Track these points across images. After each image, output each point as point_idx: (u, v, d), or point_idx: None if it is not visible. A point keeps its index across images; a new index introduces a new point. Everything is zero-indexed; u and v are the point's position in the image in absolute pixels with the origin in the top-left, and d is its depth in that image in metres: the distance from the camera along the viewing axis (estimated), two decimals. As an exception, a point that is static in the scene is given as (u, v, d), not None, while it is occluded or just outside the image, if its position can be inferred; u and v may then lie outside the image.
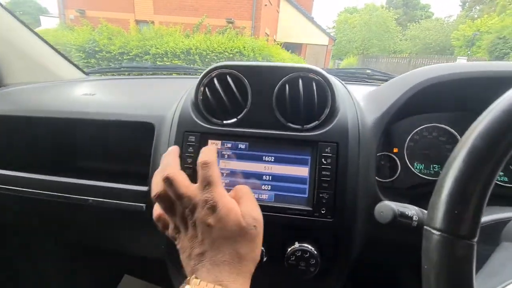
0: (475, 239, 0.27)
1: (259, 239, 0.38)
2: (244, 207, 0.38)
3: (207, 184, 0.37)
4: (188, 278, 0.34)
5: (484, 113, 0.28)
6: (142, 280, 1.31)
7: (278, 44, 10.81)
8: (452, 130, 0.64)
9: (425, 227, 0.30)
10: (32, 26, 0.99)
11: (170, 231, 0.40)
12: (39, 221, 0.85)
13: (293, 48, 17.02)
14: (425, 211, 0.35)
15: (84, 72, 1.19)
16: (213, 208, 0.35)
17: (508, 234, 0.39)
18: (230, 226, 0.35)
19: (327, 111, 0.54)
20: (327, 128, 0.53)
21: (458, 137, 0.63)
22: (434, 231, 0.28)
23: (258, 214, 0.39)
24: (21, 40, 0.96)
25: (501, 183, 0.63)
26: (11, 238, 0.98)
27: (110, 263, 1.30)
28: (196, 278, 0.33)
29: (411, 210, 0.41)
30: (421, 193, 0.64)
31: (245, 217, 0.37)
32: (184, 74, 1.25)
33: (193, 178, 0.54)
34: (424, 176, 0.64)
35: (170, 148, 0.46)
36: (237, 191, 0.41)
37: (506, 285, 0.29)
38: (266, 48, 8.04)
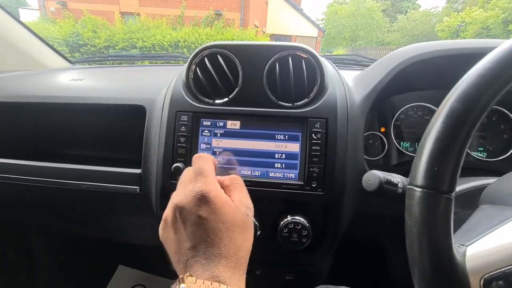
0: (453, 193, 0.29)
1: (251, 227, 0.38)
2: (236, 196, 0.38)
3: (199, 174, 0.37)
4: (181, 276, 0.32)
5: (460, 80, 0.30)
6: (136, 269, 1.32)
7: (267, 36, 10.76)
8: (437, 109, 0.66)
9: (408, 186, 0.32)
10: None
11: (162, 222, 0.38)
12: (29, 209, 0.84)
13: (283, 40, 16.84)
14: None
15: (70, 62, 1.16)
16: (205, 200, 0.34)
17: (485, 198, 0.41)
18: (225, 217, 0.34)
19: (316, 88, 0.55)
20: (317, 105, 0.54)
21: None
22: (417, 188, 0.30)
23: (249, 202, 0.39)
24: (6, 29, 0.93)
25: (481, 158, 0.66)
26: (3, 229, 0.97)
27: (103, 254, 1.30)
28: (191, 275, 0.31)
29: (396, 178, 0.43)
30: (409, 169, 0.66)
31: (238, 206, 0.37)
32: (173, 62, 1.24)
33: (186, 157, 0.55)
34: (410, 154, 0.67)
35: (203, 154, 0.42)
36: (231, 179, 0.41)
37: (484, 235, 0.31)
38: (255, 40, 7.99)
